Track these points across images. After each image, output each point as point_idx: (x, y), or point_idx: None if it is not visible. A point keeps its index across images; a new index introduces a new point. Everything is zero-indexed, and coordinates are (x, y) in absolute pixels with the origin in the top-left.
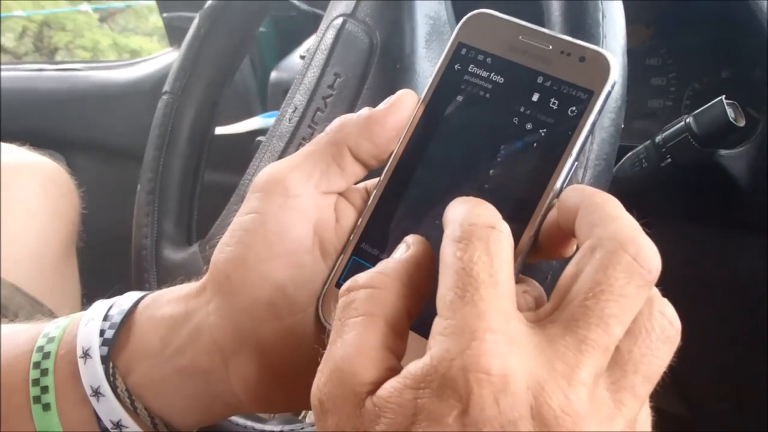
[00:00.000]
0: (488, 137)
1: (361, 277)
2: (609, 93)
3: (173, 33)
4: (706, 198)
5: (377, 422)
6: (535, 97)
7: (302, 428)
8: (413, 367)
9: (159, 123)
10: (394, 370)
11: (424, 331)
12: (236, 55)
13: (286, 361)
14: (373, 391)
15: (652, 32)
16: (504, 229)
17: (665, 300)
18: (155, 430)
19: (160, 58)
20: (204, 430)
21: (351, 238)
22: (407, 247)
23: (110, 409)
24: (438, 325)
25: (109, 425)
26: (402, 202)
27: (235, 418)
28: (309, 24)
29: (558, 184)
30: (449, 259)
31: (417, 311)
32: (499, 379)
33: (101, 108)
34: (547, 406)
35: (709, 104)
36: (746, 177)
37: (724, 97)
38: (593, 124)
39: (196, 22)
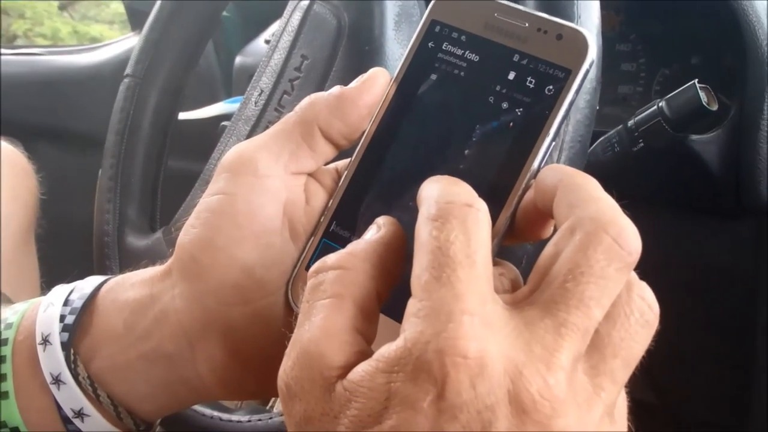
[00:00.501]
0: (463, 117)
1: (330, 258)
2: (587, 72)
3: (135, 18)
4: (677, 182)
5: (348, 407)
6: (511, 76)
7: (270, 418)
8: (386, 350)
9: (121, 107)
10: (363, 354)
11: (395, 314)
12: (200, 38)
13: (254, 346)
14: (342, 375)
15: (622, 18)
16: (482, 208)
17: (644, 284)
18: (118, 418)
19: (122, 42)
20: (171, 420)
21: (321, 219)
22: (378, 228)
23: (71, 396)
24: (412, 306)
25: (69, 414)
26: (374, 183)
27: (201, 409)
28: (274, 8)
29: (535, 165)
30: (425, 238)
31: (387, 294)
32: (476, 363)
33: (62, 93)
34: (526, 390)
35: (682, 88)
36: (717, 162)
37: (696, 81)
38: (571, 104)
39: (158, 4)
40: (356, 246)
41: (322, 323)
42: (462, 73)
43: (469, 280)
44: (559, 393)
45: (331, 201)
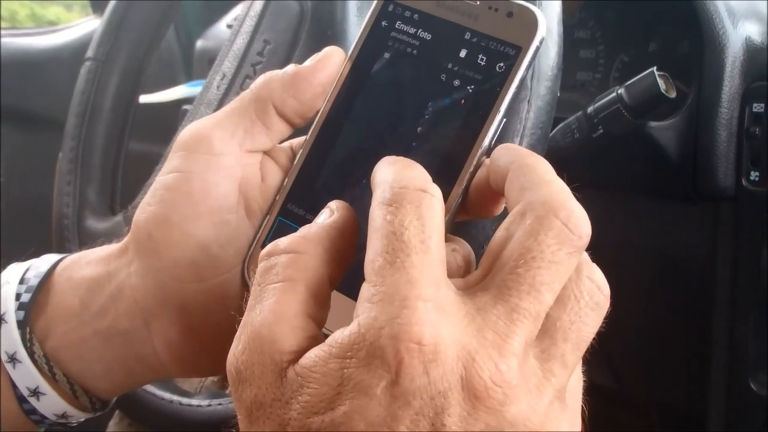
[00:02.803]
0: (416, 94)
1: (282, 242)
2: (537, 48)
3: (96, 1)
4: (636, 168)
5: (300, 392)
6: (463, 54)
7: (230, 402)
8: (339, 336)
9: (81, 89)
10: (315, 339)
11: (348, 291)
12: (162, 21)
13: (210, 323)
14: (293, 360)
15: (581, 5)
16: (436, 193)
17: (594, 265)
18: (74, 396)
19: (83, 25)
20: (130, 404)
21: (277, 198)
22: (331, 212)
23: (26, 374)
24: (366, 291)
25: (25, 392)
26: (329, 162)
27: (161, 393)
28: None
29: (486, 142)
30: (379, 223)
31: (339, 278)
32: (429, 349)
33: (22, 75)
34: (478, 377)
35: (641, 75)
36: (675, 148)
37: (655, 68)
38: (521, 80)
39: None
40: (309, 230)
41: (273, 307)
42: (414, 51)
43: (423, 266)
44: (511, 379)
45: (287, 179)
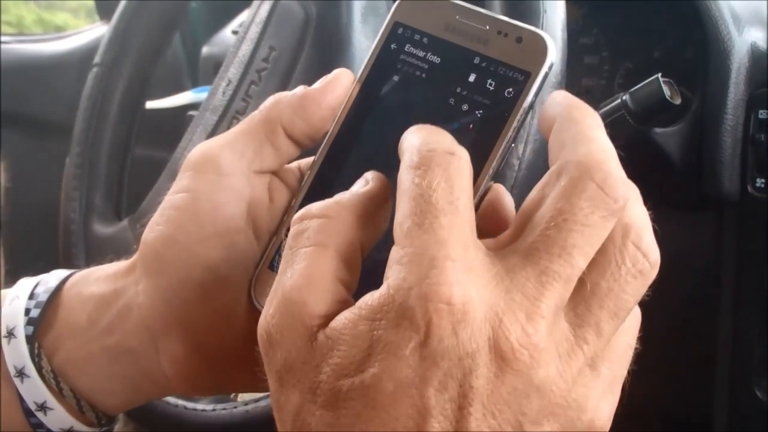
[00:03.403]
0: (424, 118)
1: (315, 206)
2: (546, 74)
3: (103, 7)
4: (640, 174)
5: (330, 355)
6: (472, 78)
7: (234, 407)
8: (369, 298)
9: (88, 95)
10: (345, 303)
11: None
12: (169, 28)
13: (216, 342)
14: (324, 324)
15: (585, 11)
16: (463, 156)
17: (646, 229)
18: (80, 412)
19: (90, 31)
20: (136, 408)
21: (284, 218)
22: (366, 182)
23: (34, 389)
24: (395, 253)
25: (32, 406)
26: (336, 183)
27: (166, 397)
28: None
29: (494, 167)
30: (407, 186)
31: (370, 246)
32: (458, 309)
33: (29, 81)
34: (504, 338)
35: (645, 82)
36: (679, 155)
37: (660, 74)
38: (530, 106)
39: None
40: (342, 196)
41: (304, 271)
42: (423, 75)
43: (451, 227)
44: (539, 342)
45: (294, 200)
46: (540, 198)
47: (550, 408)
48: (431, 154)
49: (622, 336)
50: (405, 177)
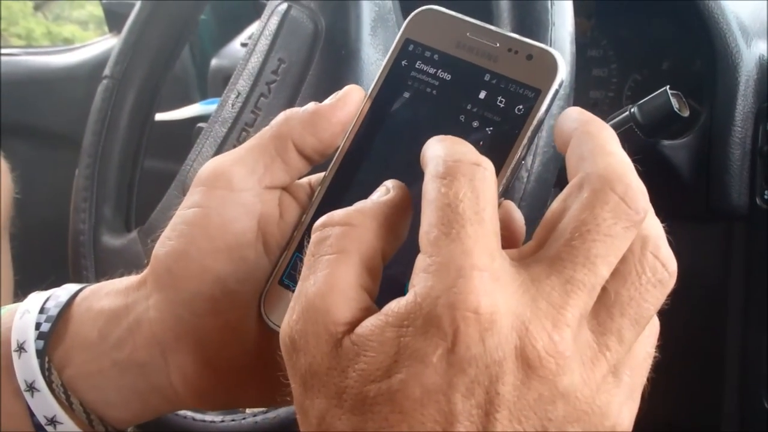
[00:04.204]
0: (434, 134)
1: (337, 214)
2: (557, 92)
3: (113, 19)
4: (648, 187)
5: (356, 361)
6: (482, 95)
7: (243, 418)
8: (395, 305)
9: (98, 107)
10: (368, 311)
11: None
12: (178, 40)
13: (226, 357)
14: (348, 331)
15: (594, 24)
16: (488, 167)
17: (662, 240)
18: (90, 426)
19: (100, 43)
20: (145, 423)
21: (295, 234)
22: (387, 191)
23: (44, 404)
24: (422, 261)
25: (42, 420)
26: (346, 199)
27: None
28: (248, 12)
29: (503, 183)
30: (433, 195)
31: (391, 254)
32: (485, 318)
33: (39, 93)
34: (531, 346)
35: (654, 94)
36: (688, 167)
37: (668, 87)
38: (540, 123)
39: (138, 6)
40: (364, 204)
41: (327, 278)
42: (434, 92)
43: (477, 237)
44: (565, 350)
45: (305, 215)
46: (562, 209)
47: (575, 414)
48: (457, 164)
49: (642, 344)
50: (431, 186)
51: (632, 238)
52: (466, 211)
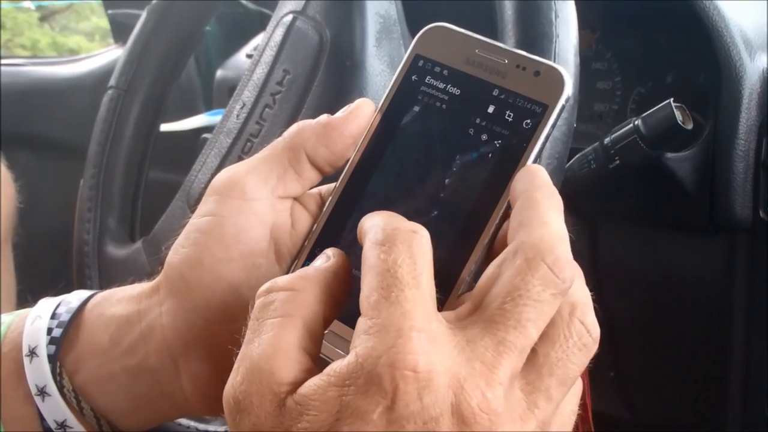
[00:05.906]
0: (444, 147)
1: (281, 280)
2: (563, 107)
3: (118, 30)
4: (652, 199)
5: (299, 420)
6: (491, 109)
7: None
8: (337, 365)
9: (103, 117)
10: (310, 372)
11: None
12: (184, 51)
13: None
14: (291, 391)
15: (598, 37)
16: (424, 234)
17: (589, 307)
18: (100, 431)
19: (105, 54)
20: (149, 430)
21: (305, 243)
22: (327, 258)
23: (55, 408)
24: (363, 324)
25: (53, 425)
26: (356, 209)
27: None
28: (254, 23)
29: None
30: (373, 261)
31: (331, 319)
32: (423, 376)
33: (44, 103)
34: (466, 403)
35: (658, 107)
36: (692, 179)
37: (672, 99)
38: (547, 137)
39: (143, 17)
40: (306, 271)
41: (272, 340)
42: (443, 106)
43: (415, 300)
44: (497, 407)
45: (315, 225)
46: (496, 275)
47: None
48: (395, 232)
49: (568, 402)
50: (371, 253)
51: (558, 304)
52: (404, 276)
